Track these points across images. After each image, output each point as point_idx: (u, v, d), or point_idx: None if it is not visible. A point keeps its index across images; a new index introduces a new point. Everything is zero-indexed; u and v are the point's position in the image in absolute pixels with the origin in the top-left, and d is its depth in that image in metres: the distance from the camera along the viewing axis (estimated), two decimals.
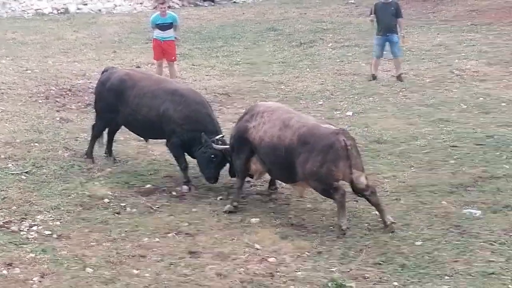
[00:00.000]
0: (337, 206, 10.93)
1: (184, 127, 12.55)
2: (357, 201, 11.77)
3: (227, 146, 12.21)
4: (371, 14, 19.92)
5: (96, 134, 13.79)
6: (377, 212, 11.07)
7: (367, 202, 11.05)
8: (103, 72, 14.00)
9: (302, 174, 10.98)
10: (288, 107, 12.61)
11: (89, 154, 13.72)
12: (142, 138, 14.10)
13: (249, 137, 11.63)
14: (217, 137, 12.41)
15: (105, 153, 13.87)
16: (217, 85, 19.42)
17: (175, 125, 12.60)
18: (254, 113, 11.77)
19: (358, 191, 10.99)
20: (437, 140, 14.79)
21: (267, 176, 12.38)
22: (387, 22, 19.46)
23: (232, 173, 12.54)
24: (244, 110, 12.80)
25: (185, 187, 12.62)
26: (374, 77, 19.68)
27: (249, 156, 11.73)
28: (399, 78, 19.50)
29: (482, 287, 9.30)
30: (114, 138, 14.02)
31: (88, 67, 21.18)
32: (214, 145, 12.25)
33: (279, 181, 12.33)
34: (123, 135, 14.54)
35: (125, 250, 10.34)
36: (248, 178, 12.37)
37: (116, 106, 13.20)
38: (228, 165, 12.53)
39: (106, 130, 13.84)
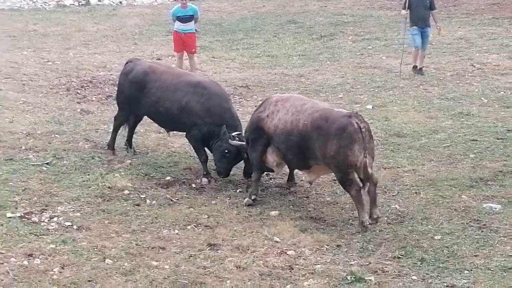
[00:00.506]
0: (354, 202, 10.94)
1: (205, 120, 12.57)
2: (376, 194, 11.75)
3: (244, 143, 12.21)
4: (404, 8, 19.63)
5: (117, 125, 13.83)
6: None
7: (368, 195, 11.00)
8: (126, 63, 14.03)
9: (323, 159, 10.96)
10: (301, 95, 12.61)
11: (111, 145, 13.75)
12: (163, 130, 14.13)
13: (264, 127, 11.65)
14: (234, 133, 12.40)
15: (125, 145, 13.90)
16: (237, 78, 19.42)
17: (197, 117, 12.63)
18: (267, 104, 11.80)
19: (363, 179, 10.92)
20: (457, 134, 14.74)
21: (287, 170, 12.39)
22: (421, 14, 19.31)
23: (245, 173, 12.57)
24: None
25: (204, 179, 12.64)
26: (418, 70, 19.43)
27: (265, 147, 11.73)
28: (420, 71, 19.38)
29: (501, 282, 9.28)
30: (135, 130, 14.05)
31: (109, 59, 21.23)
32: (230, 141, 12.26)
33: (297, 174, 12.33)
34: (143, 127, 14.57)
35: (144, 241, 10.38)
36: (268, 173, 12.41)
37: (138, 98, 13.25)
38: (243, 163, 12.58)
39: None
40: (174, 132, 13.91)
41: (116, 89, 14.25)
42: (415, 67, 19.50)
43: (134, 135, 14.03)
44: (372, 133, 11.13)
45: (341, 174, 10.90)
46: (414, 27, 19.46)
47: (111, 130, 13.91)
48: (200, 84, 12.88)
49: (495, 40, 22.32)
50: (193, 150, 13.13)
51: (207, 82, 13.12)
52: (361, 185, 10.85)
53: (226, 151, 12.35)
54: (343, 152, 10.68)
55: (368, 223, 10.76)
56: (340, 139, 10.68)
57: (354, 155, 10.66)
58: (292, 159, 11.57)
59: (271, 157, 11.77)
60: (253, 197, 11.79)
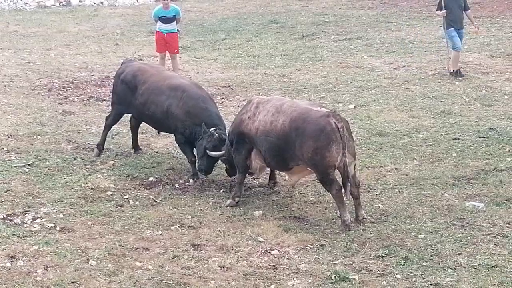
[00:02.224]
0: (335, 201, 10.95)
1: (185, 122, 12.60)
2: (360, 194, 11.78)
3: (222, 153, 12.22)
4: (440, 8, 19.08)
5: (108, 125, 13.83)
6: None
7: (352, 196, 10.96)
8: (122, 64, 14.11)
9: (302, 159, 10.95)
10: (283, 96, 12.57)
11: (100, 144, 13.70)
12: (145, 130, 14.14)
13: (245, 129, 11.61)
14: (212, 129, 12.38)
15: (132, 148, 13.89)
16: (219, 78, 19.40)
17: (177, 120, 12.65)
18: (249, 106, 11.78)
19: (344, 178, 10.88)
20: (439, 132, 14.79)
21: (268, 171, 12.40)
22: (458, 14, 19.00)
23: (228, 173, 12.56)
24: None
25: (191, 180, 12.63)
26: (459, 73, 18.82)
27: (249, 150, 11.71)
28: (457, 73, 18.84)
29: (485, 280, 9.31)
30: (117, 131, 14.03)
31: (91, 59, 21.17)
32: (209, 152, 12.28)
33: (279, 173, 12.34)
34: (126, 127, 14.52)
35: (128, 242, 10.36)
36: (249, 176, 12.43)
37: (129, 99, 13.27)
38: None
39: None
40: (162, 133, 13.97)
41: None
42: (457, 71, 18.88)
43: (116, 136, 13.99)
44: (355, 132, 11.17)
45: (321, 175, 10.90)
46: (451, 28, 18.97)
47: (93, 131, 13.87)
48: (179, 87, 12.89)
49: (476, 39, 22.36)
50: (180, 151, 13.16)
51: (186, 85, 13.08)
52: (341, 184, 10.85)
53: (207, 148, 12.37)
54: (321, 153, 10.67)
55: (350, 222, 10.77)
56: (317, 140, 10.67)
57: (332, 155, 10.66)
58: (271, 161, 11.50)
59: (255, 161, 11.75)
60: (236, 199, 11.78)
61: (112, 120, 13.82)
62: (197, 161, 12.69)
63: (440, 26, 24.46)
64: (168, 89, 12.86)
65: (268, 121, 11.25)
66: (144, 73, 13.34)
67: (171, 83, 13.03)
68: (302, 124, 10.85)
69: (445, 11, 18.88)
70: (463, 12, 19.16)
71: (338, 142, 10.61)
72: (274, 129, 11.15)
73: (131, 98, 13.25)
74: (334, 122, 10.64)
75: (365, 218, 10.96)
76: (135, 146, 13.89)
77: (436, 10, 19.62)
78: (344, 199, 10.85)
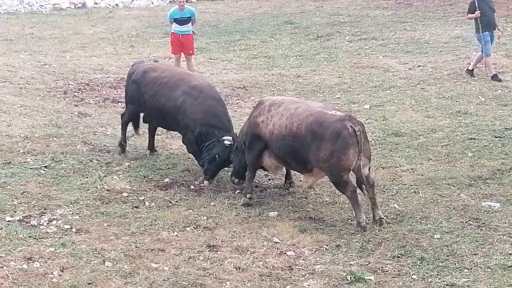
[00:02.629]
0: (351, 203, 10.96)
1: (197, 122, 12.69)
2: (375, 194, 11.78)
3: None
4: (473, 10, 18.88)
5: (125, 122, 13.94)
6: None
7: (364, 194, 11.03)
8: (132, 66, 14.27)
9: (316, 163, 10.98)
10: (294, 97, 12.58)
11: (122, 141, 13.83)
12: (160, 131, 14.19)
13: (260, 133, 11.65)
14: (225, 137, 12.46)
15: (148, 149, 13.94)
16: (234, 79, 19.42)
17: (190, 119, 12.73)
18: (261, 109, 11.80)
19: (358, 179, 10.92)
20: (455, 132, 14.75)
21: (284, 171, 12.41)
22: (491, 17, 18.85)
23: (233, 178, 12.58)
24: None
25: (206, 182, 12.64)
26: (497, 78, 18.58)
27: (261, 151, 11.75)
28: (495, 77, 18.61)
29: (501, 280, 9.28)
30: (133, 132, 14.08)
31: (106, 61, 21.22)
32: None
33: (295, 173, 12.34)
34: (141, 129, 14.54)
35: (144, 244, 10.37)
36: (267, 174, 12.46)
37: (139, 99, 13.39)
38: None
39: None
40: (172, 133, 13.97)
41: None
42: (495, 75, 18.69)
43: (132, 137, 14.02)
44: (370, 132, 11.15)
45: (335, 177, 10.92)
46: (486, 32, 18.78)
47: (108, 133, 13.91)
48: (197, 87, 12.98)
49: None
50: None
51: (200, 85, 13.15)
52: (355, 186, 10.85)
53: (217, 155, 12.46)
54: (337, 156, 10.68)
55: (365, 223, 10.76)
56: (334, 144, 10.68)
57: (348, 159, 10.67)
58: (291, 163, 11.56)
59: (269, 161, 11.80)
60: (248, 195, 11.80)
61: (127, 118, 13.93)
62: (203, 164, 12.72)
63: (456, 26, 24.51)
64: (184, 86, 12.94)
65: (283, 125, 11.29)
66: (155, 69, 13.51)
67: (187, 79, 13.14)
68: (319, 128, 10.87)
69: (479, 11, 18.72)
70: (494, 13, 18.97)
71: (354, 146, 10.61)
72: (290, 133, 11.19)
73: (141, 96, 13.37)
74: (351, 126, 10.65)
75: (382, 218, 10.95)
76: (151, 147, 13.93)
77: (468, 14, 19.36)
78: (359, 199, 10.85)
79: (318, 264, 9.81)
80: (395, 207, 11.47)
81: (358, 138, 10.61)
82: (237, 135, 12.44)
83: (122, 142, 13.83)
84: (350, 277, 9.38)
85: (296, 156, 11.27)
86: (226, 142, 12.33)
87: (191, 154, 13.20)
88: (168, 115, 13.07)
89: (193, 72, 18.61)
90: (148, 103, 13.30)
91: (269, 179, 12.82)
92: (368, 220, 10.89)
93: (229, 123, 12.84)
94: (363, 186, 10.88)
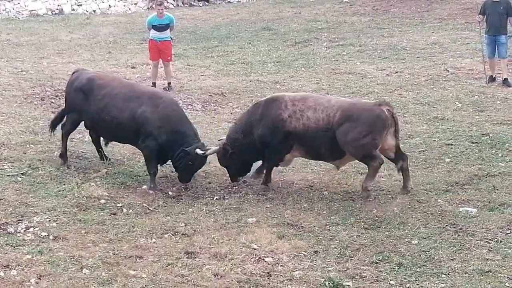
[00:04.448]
0: (369, 171, 11.91)
1: (161, 129, 12.71)
2: (353, 200, 11.83)
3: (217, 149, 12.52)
4: (480, 13, 19.23)
5: (66, 133, 13.69)
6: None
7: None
8: (72, 74, 14.05)
9: (343, 142, 11.78)
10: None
11: (63, 153, 13.60)
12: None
13: (289, 127, 12.14)
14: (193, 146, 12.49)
15: (100, 158, 13.85)
16: (212, 85, 19.40)
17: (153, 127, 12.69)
18: (280, 105, 12.25)
19: (397, 155, 12.03)
20: (432, 138, 14.82)
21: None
22: (495, 21, 18.88)
23: (232, 178, 12.73)
24: (248, 106, 13.36)
25: (146, 187, 12.66)
26: (492, 79, 18.85)
27: (290, 148, 12.32)
28: (505, 82, 18.69)
29: (478, 285, 9.33)
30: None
31: (83, 67, 21.10)
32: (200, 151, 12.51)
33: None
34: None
35: (121, 251, 10.34)
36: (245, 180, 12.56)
37: (82, 106, 13.29)
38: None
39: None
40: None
41: None
42: (491, 77, 18.92)
43: (109, 144, 13.97)
44: None
45: (364, 153, 11.88)
46: (487, 35, 19.09)
47: (86, 139, 13.84)
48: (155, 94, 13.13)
49: (468, 45, 22.45)
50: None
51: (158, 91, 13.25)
52: (384, 160, 11.96)
53: (190, 162, 12.49)
54: (372, 137, 11.79)
55: (371, 192, 11.90)
56: (372, 126, 11.81)
57: (381, 139, 11.86)
58: (325, 153, 12.18)
59: (293, 155, 12.47)
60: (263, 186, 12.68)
61: (70, 128, 13.69)
62: (178, 172, 12.76)
63: (433, 32, 24.66)
64: (140, 94, 12.88)
65: (320, 117, 12.02)
66: (101, 78, 13.42)
67: (142, 89, 13.21)
68: (356, 111, 11.93)
69: (480, 16, 19.22)
70: (507, 18, 18.89)
71: (391, 127, 11.94)
72: (328, 124, 11.92)
73: (85, 105, 13.21)
74: (388, 109, 11.96)
75: (412, 189, 12.08)
76: (101, 157, 13.80)
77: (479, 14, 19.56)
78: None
79: (296, 270, 9.81)
80: (373, 213, 11.50)
81: (396, 120, 12.00)
82: (226, 138, 12.74)
83: (63, 153, 13.57)
84: (329, 283, 9.39)
85: (332, 146, 11.96)
86: (198, 151, 12.36)
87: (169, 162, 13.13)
88: (120, 126, 12.90)
89: (170, 79, 18.78)
90: (95, 114, 13.07)
91: (247, 185, 12.81)
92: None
93: (192, 126, 12.86)
94: (400, 160, 12.05)
